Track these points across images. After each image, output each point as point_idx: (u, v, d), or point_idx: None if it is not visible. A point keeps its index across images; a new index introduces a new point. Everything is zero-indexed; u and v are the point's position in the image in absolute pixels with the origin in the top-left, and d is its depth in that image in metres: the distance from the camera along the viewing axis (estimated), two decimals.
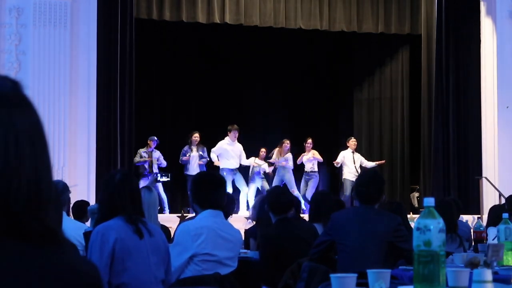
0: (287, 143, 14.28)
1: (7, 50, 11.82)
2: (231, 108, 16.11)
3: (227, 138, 13.86)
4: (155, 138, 13.83)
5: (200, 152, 13.77)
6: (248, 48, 16.01)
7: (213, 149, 13.82)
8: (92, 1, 12.21)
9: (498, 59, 13.46)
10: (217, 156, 13.79)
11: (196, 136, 13.90)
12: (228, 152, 13.72)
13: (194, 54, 15.98)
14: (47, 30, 11.89)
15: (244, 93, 16.24)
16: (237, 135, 13.89)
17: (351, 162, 14.38)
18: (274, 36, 15.31)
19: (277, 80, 16.35)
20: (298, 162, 14.38)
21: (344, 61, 16.93)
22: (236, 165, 13.83)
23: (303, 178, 14.44)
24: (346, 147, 14.70)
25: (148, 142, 13.84)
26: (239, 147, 13.90)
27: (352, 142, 14.61)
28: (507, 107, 13.34)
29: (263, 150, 14.55)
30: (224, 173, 13.03)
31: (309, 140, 14.50)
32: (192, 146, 13.86)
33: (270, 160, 14.28)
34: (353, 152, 14.49)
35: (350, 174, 14.29)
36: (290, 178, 14.15)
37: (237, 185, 13.83)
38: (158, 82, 15.75)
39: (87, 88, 12.13)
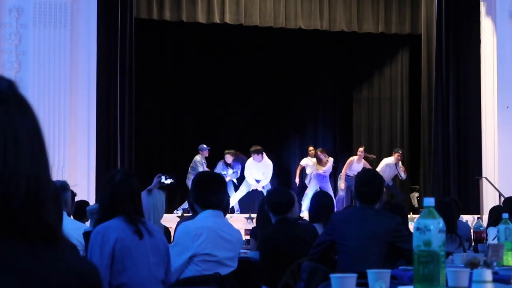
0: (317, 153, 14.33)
1: (7, 50, 11.82)
2: (231, 107, 16.11)
3: (250, 159, 13.90)
4: (205, 146, 13.92)
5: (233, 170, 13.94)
6: (248, 48, 16.00)
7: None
8: (92, 1, 12.21)
9: (498, 59, 13.46)
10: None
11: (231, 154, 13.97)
12: (252, 172, 13.80)
13: (194, 54, 15.98)
14: (47, 30, 11.89)
15: (244, 93, 16.23)
16: (258, 156, 13.74)
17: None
18: (274, 36, 15.31)
19: (277, 80, 16.34)
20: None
21: (344, 61, 16.93)
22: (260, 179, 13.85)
23: (346, 182, 14.32)
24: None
25: (200, 152, 13.89)
26: (263, 165, 13.84)
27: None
28: (507, 107, 13.34)
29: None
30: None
31: (361, 149, 14.47)
32: (228, 167, 13.91)
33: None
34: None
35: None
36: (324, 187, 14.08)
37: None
38: (158, 82, 15.74)
39: (87, 88, 12.13)
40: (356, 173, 13.88)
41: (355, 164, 14.26)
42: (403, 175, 14.46)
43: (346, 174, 14.29)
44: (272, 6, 14.41)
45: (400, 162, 14.47)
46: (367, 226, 4.86)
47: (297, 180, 14.70)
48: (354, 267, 4.24)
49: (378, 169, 14.17)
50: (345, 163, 14.60)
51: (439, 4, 14.09)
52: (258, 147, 13.77)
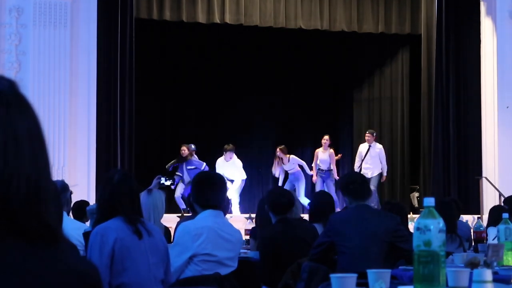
0: (278, 152, 13.99)
1: (7, 50, 11.82)
2: (231, 108, 16.11)
3: (221, 158, 13.71)
4: (193, 146, 13.71)
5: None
6: (248, 48, 16.00)
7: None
8: (92, 1, 12.21)
9: (498, 59, 13.46)
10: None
11: (183, 149, 13.61)
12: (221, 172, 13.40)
13: (194, 54, 15.98)
14: (47, 30, 11.89)
15: (244, 93, 16.24)
16: (228, 154, 13.57)
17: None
18: (274, 36, 15.31)
19: (277, 80, 16.35)
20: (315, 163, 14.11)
21: (344, 61, 16.93)
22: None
23: (318, 176, 14.02)
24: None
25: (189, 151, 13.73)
26: (231, 166, 13.63)
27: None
28: (507, 107, 13.34)
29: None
30: None
31: (326, 137, 14.04)
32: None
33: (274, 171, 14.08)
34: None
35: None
36: (299, 185, 13.83)
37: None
38: (158, 82, 15.75)
39: (87, 88, 12.13)
40: (326, 164, 13.87)
41: (320, 153, 14.05)
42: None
43: (318, 169, 14.05)
44: (272, 6, 14.41)
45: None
46: (367, 226, 4.87)
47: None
48: (354, 267, 4.24)
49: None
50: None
51: (439, 4, 14.09)
52: (229, 146, 13.65)
